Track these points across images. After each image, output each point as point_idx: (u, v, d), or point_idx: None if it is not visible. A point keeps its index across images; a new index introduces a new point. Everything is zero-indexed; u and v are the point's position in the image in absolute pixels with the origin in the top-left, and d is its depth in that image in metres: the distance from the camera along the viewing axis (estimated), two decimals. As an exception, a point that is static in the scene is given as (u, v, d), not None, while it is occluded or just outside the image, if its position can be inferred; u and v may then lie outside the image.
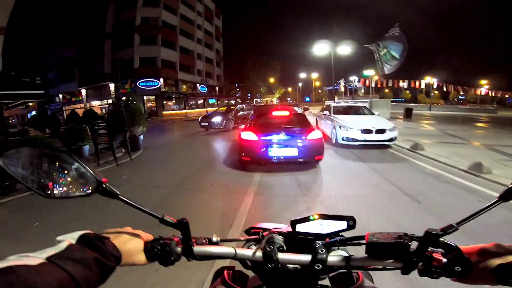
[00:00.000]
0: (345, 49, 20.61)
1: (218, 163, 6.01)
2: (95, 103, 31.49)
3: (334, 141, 7.55)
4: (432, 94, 48.36)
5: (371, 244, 0.49)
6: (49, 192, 0.53)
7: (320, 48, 20.83)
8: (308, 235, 0.56)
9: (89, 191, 0.54)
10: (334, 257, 0.54)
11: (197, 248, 0.56)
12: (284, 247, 0.56)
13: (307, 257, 0.53)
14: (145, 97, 29.40)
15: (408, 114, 16.57)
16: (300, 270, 0.56)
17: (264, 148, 4.66)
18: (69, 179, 0.54)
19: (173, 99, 32.38)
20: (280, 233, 0.59)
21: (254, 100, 54.07)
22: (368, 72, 24.23)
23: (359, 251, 0.54)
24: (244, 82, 57.22)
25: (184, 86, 34.74)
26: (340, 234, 0.58)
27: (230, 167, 5.56)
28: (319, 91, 65.86)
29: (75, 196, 0.55)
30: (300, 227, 0.56)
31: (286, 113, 5.47)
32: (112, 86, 29.02)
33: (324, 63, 47.64)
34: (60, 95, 34.83)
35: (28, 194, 4.30)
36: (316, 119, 10.67)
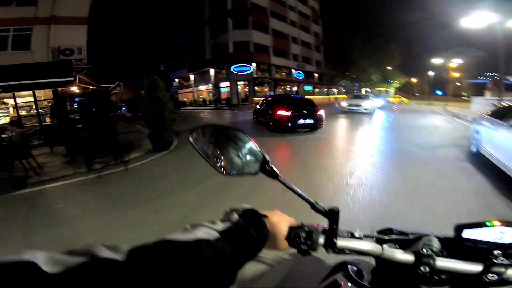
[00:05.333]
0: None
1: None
2: (202, 87, 34.49)
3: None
4: None
5: None
6: (225, 169, 0.55)
7: (475, 22, 13.25)
8: (480, 244, 0.46)
9: (256, 169, 0.54)
10: None
11: (340, 241, 0.50)
12: (445, 253, 0.48)
13: (476, 267, 0.44)
14: (238, 83, 29.44)
15: None
16: (454, 281, 0.47)
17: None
18: (241, 157, 0.56)
19: (265, 84, 31.02)
20: (437, 237, 0.51)
21: (363, 90, 43.97)
22: None
23: None
24: (350, 69, 48.13)
25: (279, 72, 32.76)
26: None
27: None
28: (458, 84, 48.95)
29: (245, 174, 0.55)
30: (468, 233, 0.46)
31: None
32: (212, 71, 30.53)
33: (470, 47, 33.89)
34: (177, 80, 40.40)
35: None
36: (476, 132, 5.01)
